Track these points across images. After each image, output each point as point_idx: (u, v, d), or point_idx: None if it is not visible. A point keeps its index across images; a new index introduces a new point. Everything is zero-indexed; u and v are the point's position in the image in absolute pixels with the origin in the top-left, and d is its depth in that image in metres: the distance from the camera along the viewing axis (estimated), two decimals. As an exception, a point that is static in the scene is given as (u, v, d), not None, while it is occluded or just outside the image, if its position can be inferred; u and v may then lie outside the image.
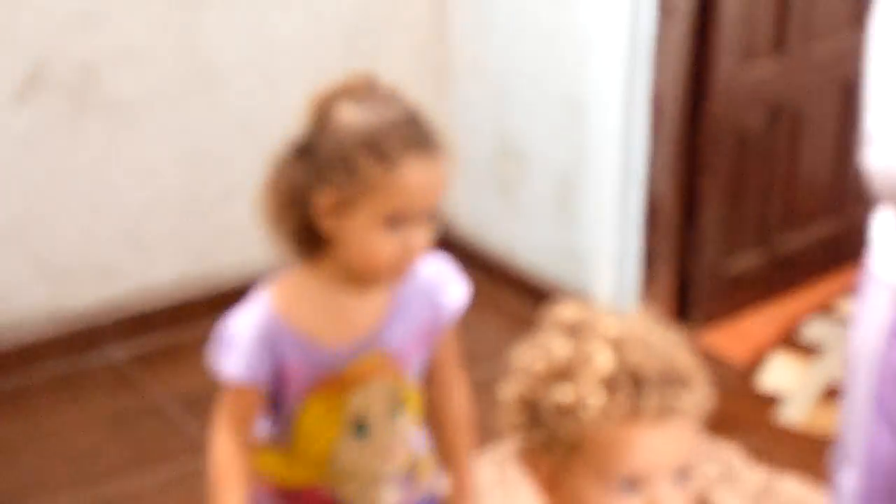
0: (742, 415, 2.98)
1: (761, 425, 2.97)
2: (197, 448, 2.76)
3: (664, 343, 1.15)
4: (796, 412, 2.98)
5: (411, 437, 1.77)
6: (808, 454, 2.47)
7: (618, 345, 1.11)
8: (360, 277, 1.60)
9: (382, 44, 3.43)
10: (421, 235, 1.56)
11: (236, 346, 1.59)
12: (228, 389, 1.64)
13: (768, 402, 3.03)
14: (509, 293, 3.55)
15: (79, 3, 2.94)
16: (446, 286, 1.74)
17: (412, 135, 1.52)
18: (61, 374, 3.13)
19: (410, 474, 1.78)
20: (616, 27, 3.06)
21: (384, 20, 3.43)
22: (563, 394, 1.09)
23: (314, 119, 1.52)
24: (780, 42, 3.26)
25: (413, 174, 1.51)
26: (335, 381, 1.65)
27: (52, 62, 2.94)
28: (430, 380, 1.79)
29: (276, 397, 1.68)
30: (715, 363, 3.14)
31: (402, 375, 1.72)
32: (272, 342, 1.59)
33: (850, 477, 1.92)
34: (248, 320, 1.61)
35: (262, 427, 1.70)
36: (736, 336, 3.39)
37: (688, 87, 3.14)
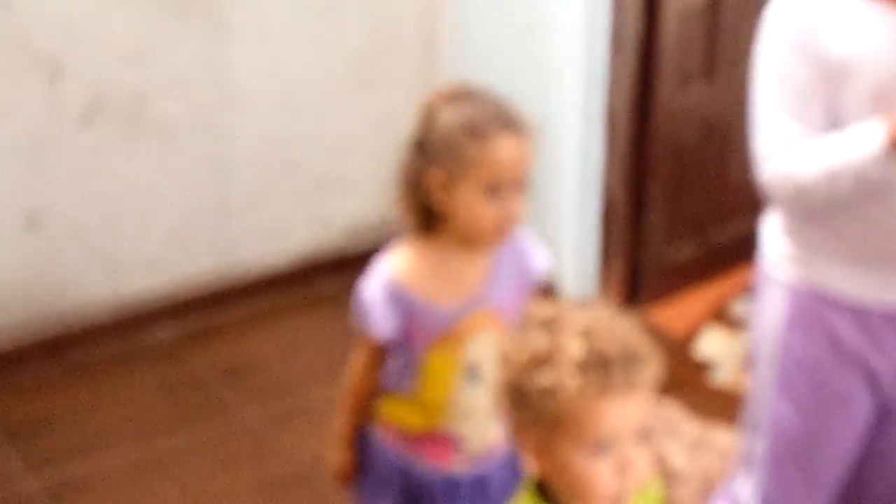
0: (681, 378, 3.02)
1: (697, 387, 3.07)
2: (232, 412, 2.99)
3: (623, 328, 1.25)
4: (725, 375, 3.10)
5: None
6: (734, 410, 2.51)
7: (586, 334, 1.20)
8: (469, 243, 1.73)
9: (379, 74, 3.47)
10: (516, 202, 1.70)
11: (367, 307, 1.76)
12: (363, 341, 1.82)
13: (702, 367, 3.16)
14: None
15: (131, 42, 3.04)
16: (533, 252, 1.88)
17: (501, 117, 1.68)
18: (118, 351, 3.20)
19: None
20: (576, 60, 3.16)
21: (381, 54, 3.50)
22: (544, 378, 1.20)
23: (423, 121, 1.71)
24: (709, 70, 3.38)
25: (504, 148, 1.66)
26: (451, 335, 1.78)
27: (109, 93, 3.04)
28: None
29: (403, 352, 1.82)
30: (659, 336, 3.13)
31: (504, 328, 1.79)
32: (395, 304, 1.73)
33: (758, 445, 2.03)
34: (375, 286, 1.76)
35: (391, 380, 1.85)
36: (676, 313, 3.49)
37: (635, 108, 3.25)
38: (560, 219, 3.40)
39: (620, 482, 1.21)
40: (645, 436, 1.25)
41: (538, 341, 1.22)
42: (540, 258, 1.90)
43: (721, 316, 3.45)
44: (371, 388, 1.86)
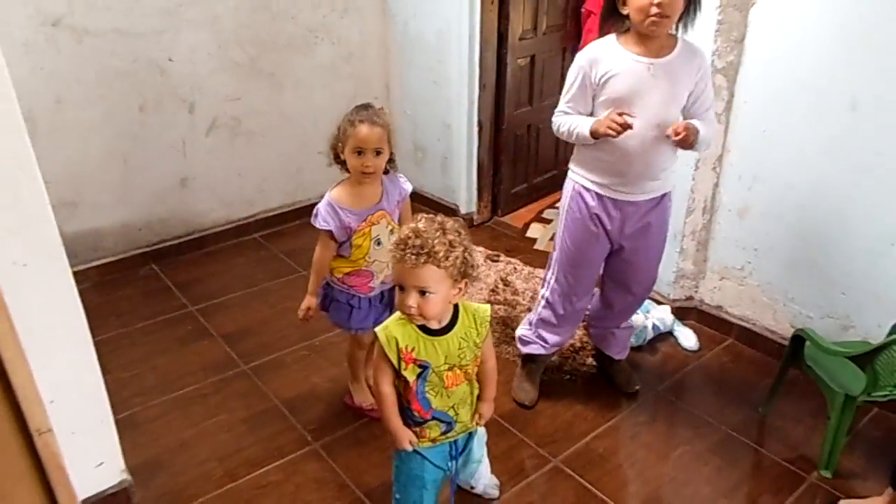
0: (520, 247, 3.47)
1: (528, 251, 3.44)
2: (293, 272, 3.16)
3: (434, 233, 1.36)
4: (541, 245, 3.50)
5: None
6: (544, 260, 2.38)
7: (416, 231, 1.37)
8: (358, 180, 1.91)
9: (367, 100, 3.15)
10: (370, 159, 1.85)
11: (321, 215, 1.92)
12: (321, 236, 1.95)
13: (531, 241, 3.56)
14: (421, 207, 3.54)
15: (231, 90, 3.32)
16: (403, 183, 2.04)
17: (363, 114, 1.84)
18: (233, 244, 3.52)
19: None
20: (463, 96, 3.47)
21: (360, 96, 3.51)
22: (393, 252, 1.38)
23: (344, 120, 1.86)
24: (530, 100, 3.73)
25: (362, 130, 1.82)
26: (365, 225, 1.96)
27: (220, 117, 3.35)
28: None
29: (343, 237, 1.95)
30: (510, 228, 3.71)
31: (392, 220, 2.00)
32: (335, 212, 1.91)
33: (552, 260, 2.19)
34: (324, 205, 1.92)
35: (339, 251, 2.00)
36: (517, 217, 3.82)
37: (493, 120, 3.61)
38: (459, 174, 3.67)
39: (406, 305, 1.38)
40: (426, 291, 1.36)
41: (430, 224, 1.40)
42: (406, 186, 2.05)
43: (539, 218, 3.82)
44: (328, 260, 1.98)
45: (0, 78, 1.37)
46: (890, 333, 1.96)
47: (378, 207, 1.94)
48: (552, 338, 2.30)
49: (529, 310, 2.48)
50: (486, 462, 1.85)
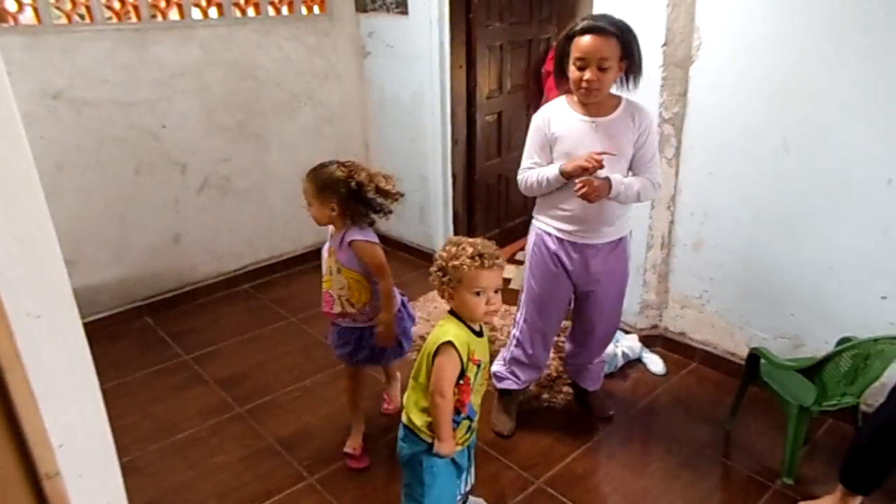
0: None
1: (503, 290, 2.79)
2: (282, 319, 3.16)
3: (487, 244, 1.53)
4: (515, 284, 3.48)
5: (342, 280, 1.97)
6: (516, 297, 2.35)
7: (473, 245, 1.51)
8: (335, 225, 1.97)
9: (347, 157, 3.06)
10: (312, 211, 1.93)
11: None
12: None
13: (507, 281, 3.48)
14: (400, 253, 3.78)
15: (220, 152, 3.36)
16: (355, 232, 1.99)
17: (348, 166, 1.93)
18: (223, 295, 3.51)
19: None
20: (437, 149, 3.55)
21: (341, 153, 3.63)
22: (458, 261, 1.49)
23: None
24: (498, 152, 3.84)
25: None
26: (328, 260, 2.00)
27: (210, 177, 3.39)
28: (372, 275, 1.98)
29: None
30: None
31: (338, 259, 2.01)
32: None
33: (521, 301, 2.22)
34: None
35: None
36: None
37: (466, 171, 3.71)
38: (436, 221, 3.73)
39: (486, 310, 1.53)
40: (498, 290, 1.50)
41: (451, 248, 1.55)
42: (351, 235, 2.01)
43: (512, 260, 3.85)
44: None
45: (19, 142, 1.41)
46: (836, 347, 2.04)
47: (332, 242, 2.02)
48: (524, 374, 2.35)
49: (506, 346, 2.50)
50: (472, 470, 1.88)
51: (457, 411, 1.59)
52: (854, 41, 2.05)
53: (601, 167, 1.86)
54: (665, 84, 2.51)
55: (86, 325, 2.83)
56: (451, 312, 1.57)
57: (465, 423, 1.64)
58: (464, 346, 1.53)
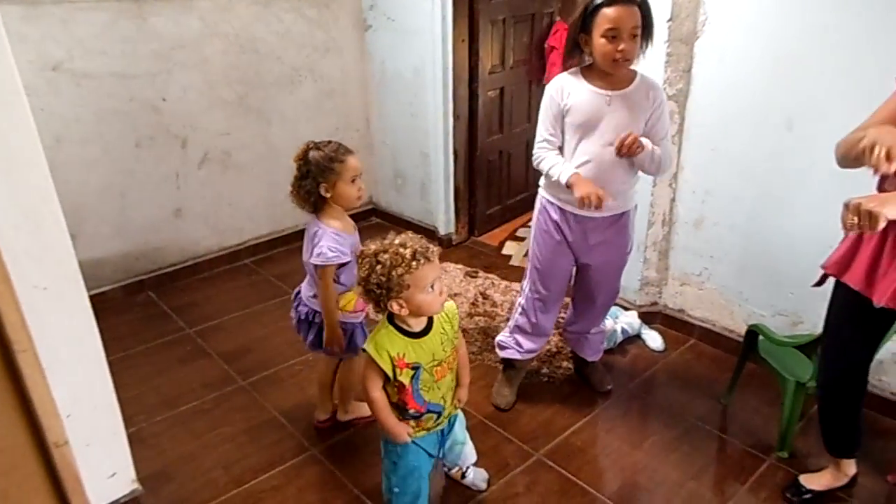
0: (496, 264, 3.50)
1: (504, 266, 3.46)
2: (283, 294, 3.11)
3: (419, 239, 1.47)
4: (515, 260, 3.53)
5: None
6: (519, 274, 2.69)
7: (401, 246, 1.44)
8: (346, 209, 1.93)
9: (342, 139, 3.45)
10: (361, 187, 1.88)
11: (334, 250, 1.85)
12: (328, 273, 1.88)
13: (507, 258, 3.59)
14: (402, 229, 3.32)
15: (222, 126, 3.33)
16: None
17: (340, 151, 1.85)
18: (225, 269, 3.51)
19: None
20: (439, 126, 3.53)
21: (343, 129, 3.76)
22: (402, 267, 1.43)
23: (302, 162, 1.86)
24: (501, 128, 3.80)
25: (350, 162, 1.86)
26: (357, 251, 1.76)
27: (211, 151, 3.37)
28: None
29: (346, 267, 1.88)
30: (486, 247, 3.73)
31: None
32: (342, 239, 1.87)
33: (526, 270, 2.24)
34: (330, 240, 1.85)
35: (345, 286, 1.95)
36: (493, 237, 3.86)
37: (467, 147, 3.66)
38: (437, 198, 3.71)
39: (440, 301, 1.50)
40: (445, 284, 1.52)
41: (384, 257, 1.44)
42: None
43: (513, 237, 3.87)
44: (335, 297, 1.92)
45: (24, 118, 1.43)
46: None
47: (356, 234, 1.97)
48: (527, 343, 2.35)
49: (507, 320, 2.53)
50: (469, 444, 1.89)
51: (406, 409, 1.59)
52: (859, 19, 2.03)
53: (600, 208, 1.90)
54: (669, 60, 2.49)
55: (89, 299, 2.76)
56: (389, 317, 1.53)
57: (429, 416, 1.63)
58: (384, 352, 1.50)
